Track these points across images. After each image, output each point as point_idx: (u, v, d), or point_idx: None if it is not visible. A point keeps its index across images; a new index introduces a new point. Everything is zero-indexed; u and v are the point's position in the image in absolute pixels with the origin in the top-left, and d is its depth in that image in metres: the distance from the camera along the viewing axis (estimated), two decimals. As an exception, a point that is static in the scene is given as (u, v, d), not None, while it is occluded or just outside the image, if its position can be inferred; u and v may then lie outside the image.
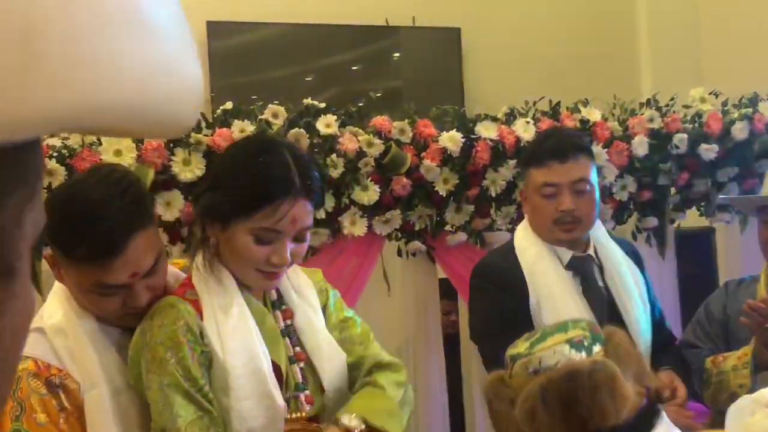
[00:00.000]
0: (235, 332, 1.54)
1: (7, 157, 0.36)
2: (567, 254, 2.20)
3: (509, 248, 2.28)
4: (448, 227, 2.91)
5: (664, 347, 2.30)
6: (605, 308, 2.18)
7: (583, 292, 2.18)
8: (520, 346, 1.35)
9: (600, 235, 2.28)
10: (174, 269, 1.74)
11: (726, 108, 3.26)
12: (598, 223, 2.31)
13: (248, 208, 1.52)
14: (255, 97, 2.83)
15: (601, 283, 2.22)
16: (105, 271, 1.43)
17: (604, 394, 1.20)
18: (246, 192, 1.53)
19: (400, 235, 2.89)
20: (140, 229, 1.49)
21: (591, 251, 2.24)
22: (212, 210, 1.57)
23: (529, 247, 2.23)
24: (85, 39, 0.35)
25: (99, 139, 2.52)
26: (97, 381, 1.54)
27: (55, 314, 1.58)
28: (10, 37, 0.32)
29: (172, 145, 2.54)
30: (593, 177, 2.20)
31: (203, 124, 2.64)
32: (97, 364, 1.56)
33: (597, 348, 1.29)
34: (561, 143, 2.21)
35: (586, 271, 2.21)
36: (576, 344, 1.28)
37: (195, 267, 1.61)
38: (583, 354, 1.27)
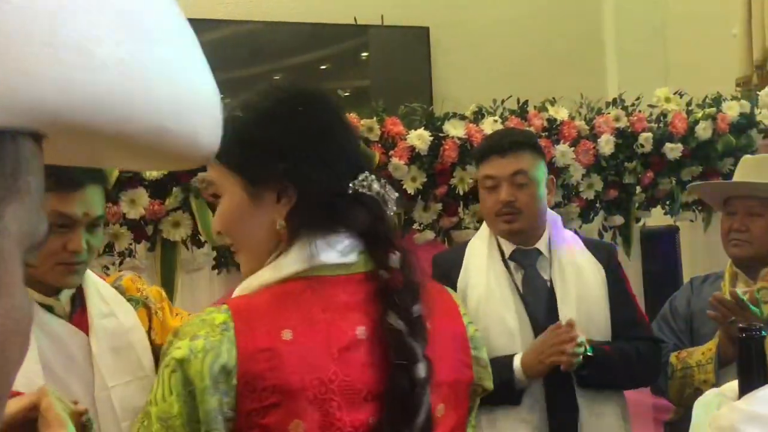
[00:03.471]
0: None
1: None
2: (511, 247, 2.26)
3: (465, 243, 2.38)
4: (416, 225, 2.92)
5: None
6: (545, 301, 2.22)
7: (523, 283, 2.24)
8: None
9: (555, 229, 2.31)
10: None
11: (690, 108, 3.31)
12: (557, 219, 2.34)
13: None
14: (223, 96, 2.79)
15: (546, 277, 2.25)
16: (63, 201, 1.58)
17: None
18: None
19: (368, 234, 2.88)
20: (98, 182, 1.66)
21: (542, 245, 2.27)
22: None
23: (477, 240, 2.33)
24: (66, 26, 0.34)
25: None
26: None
27: None
28: None
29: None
30: (537, 172, 2.23)
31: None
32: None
33: None
34: (503, 139, 2.31)
35: (527, 263, 2.26)
36: None
37: None
38: None
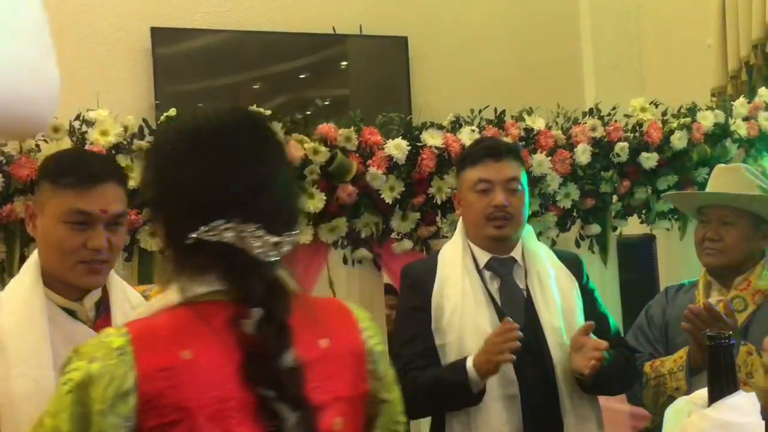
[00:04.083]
0: None
1: None
2: (486, 256, 2.26)
3: (437, 253, 2.38)
4: (394, 235, 2.92)
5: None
6: (522, 309, 2.22)
7: (499, 292, 2.24)
8: None
9: (529, 239, 2.33)
10: None
11: (666, 118, 3.33)
12: (530, 228, 2.36)
13: None
14: (201, 105, 2.79)
15: (522, 286, 2.26)
16: (83, 197, 1.61)
17: None
18: None
19: (345, 243, 2.89)
20: (117, 179, 1.68)
21: (517, 255, 2.28)
22: None
23: (449, 250, 2.32)
24: None
25: (38, 146, 2.48)
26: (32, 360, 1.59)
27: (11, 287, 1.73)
28: None
29: (114, 152, 2.51)
30: (524, 182, 2.28)
31: (146, 131, 2.61)
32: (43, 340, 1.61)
33: None
34: (495, 144, 2.36)
35: (504, 273, 2.26)
36: None
37: None
38: None
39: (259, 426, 1.08)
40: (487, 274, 2.26)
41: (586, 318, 2.26)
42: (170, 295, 1.14)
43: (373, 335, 1.25)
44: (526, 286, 2.26)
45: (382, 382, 1.25)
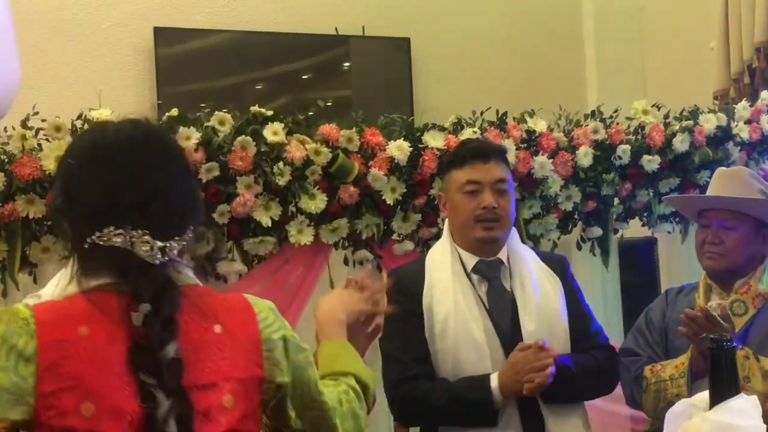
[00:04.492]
0: None
1: None
2: (474, 259, 2.27)
3: (424, 257, 2.38)
4: (395, 236, 2.93)
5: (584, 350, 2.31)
6: (509, 312, 2.24)
7: (488, 295, 2.24)
8: None
9: (513, 240, 2.33)
10: None
11: (668, 120, 3.33)
12: (514, 230, 2.36)
13: None
14: (204, 105, 2.80)
15: (509, 288, 2.27)
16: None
17: None
18: None
19: (347, 244, 2.89)
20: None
21: (504, 256, 2.29)
22: None
23: (438, 253, 2.32)
24: None
25: (39, 145, 2.48)
26: None
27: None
28: None
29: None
30: (511, 185, 2.29)
31: (148, 131, 2.60)
32: None
33: None
34: (483, 145, 2.38)
35: (492, 274, 2.27)
36: None
37: None
38: None
39: (138, 402, 1.20)
40: (475, 278, 2.26)
41: (570, 318, 2.28)
42: (69, 288, 1.27)
43: (270, 324, 1.35)
44: (511, 287, 2.27)
45: (279, 368, 1.34)
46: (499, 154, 2.30)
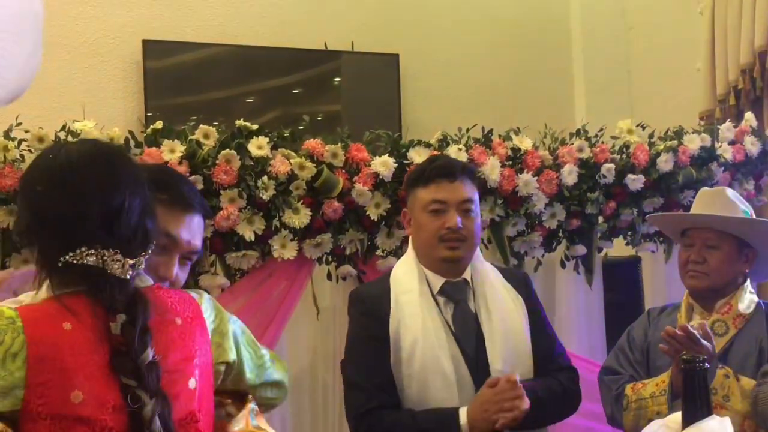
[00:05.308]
0: None
1: None
2: (440, 281, 2.23)
3: (386, 276, 2.32)
4: (378, 252, 2.92)
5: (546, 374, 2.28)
6: (473, 331, 2.20)
7: (453, 318, 2.21)
8: None
9: (476, 260, 2.30)
10: None
11: (652, 140, 3.35)
12: (477, 250, 2.33)
13: None
14: (194, 118, 2.80)
15: (473, 308, 2.23)
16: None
17: None
18: None
19: (330, 259, 2.88)
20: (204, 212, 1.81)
21: (468, 276, 2.26)
22: None
23: (402, 274, 2.27)
24: None
25: (22, 156, 2.48)
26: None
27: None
28: None
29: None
30: (477, 204, 2.25)
31: (132, 143, 2.61)
32: None
33: None
34: (450, 164, 2.30)
35: (458, 296, 2.23)
36: None
37: None
38: None
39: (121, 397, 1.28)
40: (441, 299, 2.23)
41: (533, 339, 2.24)
42: (40, 295, 1.35)
43: (210, 314, 1.48)
44: (476, 309, 2.23)
45: (222, 348, 1.48)
46: (466, 172, 2.25)
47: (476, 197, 2.26)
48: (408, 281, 2.23)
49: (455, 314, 2.21)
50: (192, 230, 1.60)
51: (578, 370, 2.38)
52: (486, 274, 2.28)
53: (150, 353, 1.30)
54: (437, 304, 2.22)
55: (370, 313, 2.21)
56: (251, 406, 1.58)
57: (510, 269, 2.53)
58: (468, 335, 2.20)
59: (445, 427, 2.07)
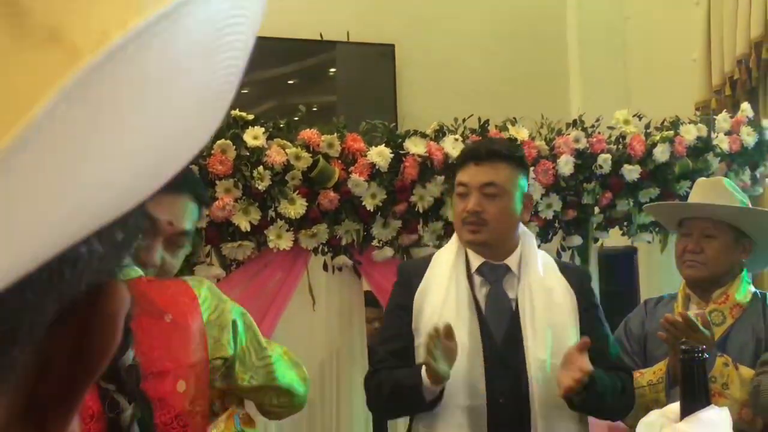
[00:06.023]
0: None
1: None
2: (479, 260, 2.22)
3: (434, 253, 2.35)
4: (375, 242, 2.92)
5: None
6: (507, 320, 2.17)
7: (486, 299, 2.18)
8: None
9: (527, 248, 2.24)
10: None
11: (649, 130, 3.34)
12: (531, 237, 2.29)
13: None
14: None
15: (512, 295, 2.19)
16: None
17: None
18: None
19: (326, 250, 2.88)
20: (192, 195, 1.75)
21: (512, 262, 2.21)
22: None
23: (444, 251, 2.28)
24: None
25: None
26: None
27: None
28: None
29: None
30: (511, 186, 2.17)
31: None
32: None
33: None
34: (481, 147, 2.26)
35: (494, 279, 2.21)
36: None
37: None
38: None
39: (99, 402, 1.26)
40: (477, 279, 2.20)
41: (583, 335, 2.13)
42: None
43: (210, 305, 1.44)
44: (516, 296, 2.19)
45: (220, 343, 1.44)
46: (497, 156, 2.16)
47: (510, 180, 2.16)
48: (445, 258, 2.24)
49: (489, 295, 2.19)
50: (175, 212, 1.51)
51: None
52: (535, 264, 2.22)
53: (129, 355, 1.25)
54: (472, 282, 2.20)
55: (403, 284, 2.25)
56: (237, 410, 1.55)
57: (570, 264, 2.49)
58: (499, 317, 2.16)
59: (412, 375, 2.05)
